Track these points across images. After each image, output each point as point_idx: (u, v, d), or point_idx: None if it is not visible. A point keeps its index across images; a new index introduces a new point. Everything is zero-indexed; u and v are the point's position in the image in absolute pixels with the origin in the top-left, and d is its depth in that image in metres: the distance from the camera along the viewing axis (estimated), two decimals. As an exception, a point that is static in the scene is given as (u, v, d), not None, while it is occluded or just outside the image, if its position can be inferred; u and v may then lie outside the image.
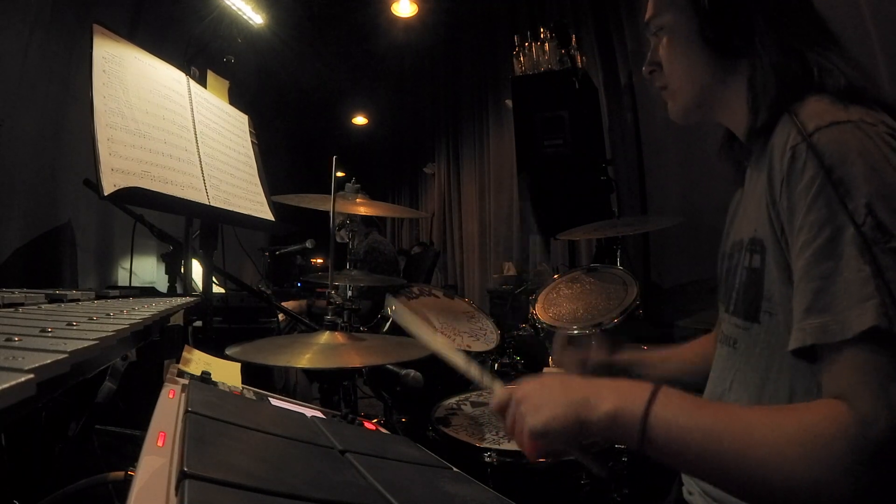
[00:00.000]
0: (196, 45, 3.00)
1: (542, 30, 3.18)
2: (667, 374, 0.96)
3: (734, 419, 0.52)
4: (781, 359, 0.62)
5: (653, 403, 0.53)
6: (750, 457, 0.49)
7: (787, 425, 0.49)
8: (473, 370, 0.75)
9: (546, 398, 0.60)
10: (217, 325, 1.63)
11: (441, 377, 1.58)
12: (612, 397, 0.56)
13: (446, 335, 1.69)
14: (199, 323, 1.41)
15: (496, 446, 1.06)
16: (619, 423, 0.54)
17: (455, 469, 0.63)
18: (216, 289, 1.73)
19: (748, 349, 0.68)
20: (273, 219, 1.68)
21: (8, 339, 0.40)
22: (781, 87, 0.62)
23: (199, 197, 1.34)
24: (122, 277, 2.94)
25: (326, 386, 1.71)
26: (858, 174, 0.51)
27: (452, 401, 1.37)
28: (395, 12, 4.32)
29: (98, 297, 0.95)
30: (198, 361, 0.85)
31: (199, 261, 1.53)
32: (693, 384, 0.83)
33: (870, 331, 0.47)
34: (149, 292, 1.49)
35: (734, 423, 0.51)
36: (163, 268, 1.47)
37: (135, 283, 2.40)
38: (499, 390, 0.67)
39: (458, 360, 0.76)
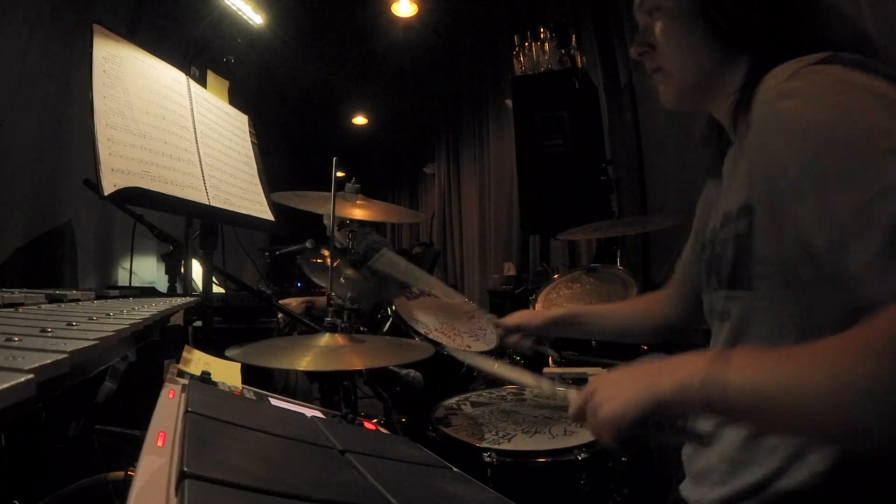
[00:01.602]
0: (196, 45, 3.00)
1: (542, 30, 3.18)
2: (597, 331, 1.02)
3: (809, 356, 0.47)
4: (783, 319, 0.61)
5: (717, 365, 0.50)
6: (836, 385, 0.44)
7: (863, 336, 0.44)
8: (545, 385, 0.76)
9: (617, 387, 0.59)
10: (217, 326, 1.63)
11: (441, 377, 1.58)
12: (678, 370, 0.54)
13: (446, 335, 1.69)
14: (199, 323, 1.41)
15: (496, 446, 1.06)
16: (692, 390, 0.51)
17: (455, 469, 0.63)
18: (216, 289, 1.73)
19: (743, 317, 0.67)
20: (273, 219, 1.68)
21: (8, 339, 0.40)
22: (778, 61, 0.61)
23: (199, 197, 1.34)
24: (122, 277, 2.94)
25: (326, 386, 1.71)
26: (848, 98, 0.50)
27: (452, 401, 1.37)
28: (395, 12, 4.32)
29: (98, 297, 0.95)
30: (198, 361, 0.85)
31: (199, 261, 1.53)
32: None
33: None
34: (149, 292, 1.49)
35: (812, 360, 0.46)
36: (163, 268, 1.47)
37: (135, 283, 2.40)
38: (573, 396, 0.67)
39: (526, 378, 0.78)
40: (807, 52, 0.59)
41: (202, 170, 1.41)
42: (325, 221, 2.03)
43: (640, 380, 0.57)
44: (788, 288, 0.61)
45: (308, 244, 2.82)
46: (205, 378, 0.75)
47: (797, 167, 0.53)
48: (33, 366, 0.33)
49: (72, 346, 0.40)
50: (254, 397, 0.77)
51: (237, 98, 1.81)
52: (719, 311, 0.73)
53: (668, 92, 0.75)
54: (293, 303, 2.48)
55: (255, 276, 2.97)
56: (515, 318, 1.09)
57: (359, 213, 1.85)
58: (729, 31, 0.66)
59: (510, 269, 4.01)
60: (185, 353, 0.85)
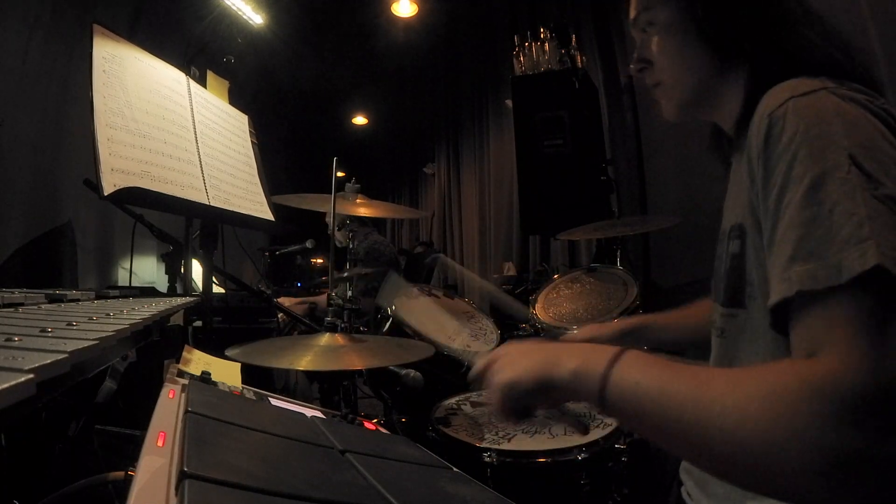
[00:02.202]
0: (196, 45, 3.01)
1: (542, 30, 3.18)
2: (667, 339, 0.99)
3: (693, 377, 0.48)
4: (766, 342, 0.62)
5: (615, 363, 0.53)
6: (706, 415, 0.45)
7: (747, 382, 0.45)
8: (456, 345, 0.77)
9: (518, 357, 0.61)
10: (217, 326, 1.63)
11: (441, 377, 1.58)
12: (578, 356, 0.56)
13: (446, 335, 1.69)
14: (199, 323, 1.41)
15: (496, 446, 1.06)
16: (581, 380, 0.54)
17: (455, 469, 0.63)
18: (216, 289, 1.73)
19: (735, 336, 0.68)
20: (273, 219, 1.68)
21: (8, 339, 0.40)
22: (777, 73, 0.61)
23: (199, 197, 1.34)
24: (122, 277, 2.94)
25: (326, 386, 1.72)
26: (837, 130, 0.50)
27: (452, 401, 1.37)
28: (395, 12, 4.32)
29: (98, 297, 0.95)
30: (198, 361, 0.85)
31: (199, 261, 1.53)
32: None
33: (870, 272, 0.43)
34: (149, 292, 1.48)
35: (692, 381, 0.48)
36: (163, 268, 1.47)
37: (135, 283, 2.40)
38: (480, 360, 0.68)
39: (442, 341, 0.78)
40: (799, 59, 0.60)
41: (202, 170, 1.41)
42: (328, 220, 2.03)
43: (542, 356, 0.59)
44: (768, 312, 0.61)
45: (308, 244, 2.82)
46: (205, 378, 0.75)
47: (771, 196, 0.53)
48: (33, 366, 0.33)
49: (72, 346, 0.40)
50: (254, 397, 0.77)
51: (237, 98, 1.81)
52: (717, 327, 0.73)
53: (668, 106, 0.76)
54: (286, 303, 2.49)
55: (255, 276, 2.98)
56: (585, 332, 1.03)
57: (362, 210, 1.85)
58: (722, 41, 0.67)
59: (510, 269, 4.01)
60: (185, 353, 0.85)
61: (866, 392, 0.40)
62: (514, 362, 0.61)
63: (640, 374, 0.51)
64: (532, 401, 0.61)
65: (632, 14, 0.75)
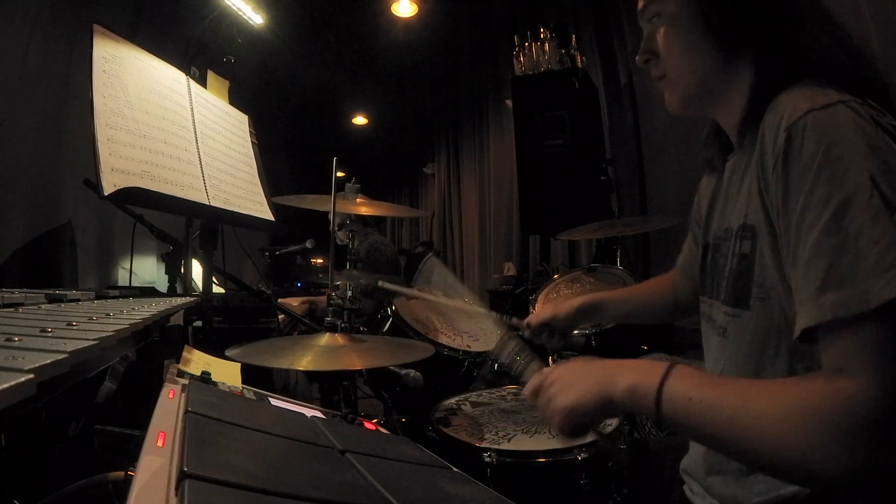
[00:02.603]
0: (196, 45, 3.01)
1: (542, 30, 3.18)
2: (623, 315, 1.07)
3: (737, 392, 0.53)
4: (778, 343, 0.62)
5: (666, 379, 0.56)
6: (749, 427, 0.50)
7: (785, 396, 0.50)
8: (506, 349, 0.80)
9: (575, 378, 0.63)
10: (217, 326, 1.63)
11: (441, 377, 1.58)
12: (632, 374, 0.59)
13: (446, 335, 1.69)
14: (199, 323, 1.41)
15: (496, 446, 1.06)
16: (638, 396, 0.58)
17: (455, 469, 0.63)
18: (216, 289, 1.73)
19: (738, 337, 0.68)
20: (273, 219, 1.68)
21: (8, 339, 0.40)
22: (783, 72, 0.62)
23: (199, 197, 1.34)
24: (122, 277, 2.94)
25: (326, 386, 1.71)
26: (858, 151, 0.51)
27: (452, 401, 1.37)
28: (395, 12, 4.32)
29: (98, 297, 0.95)
30: (198, 361, 0.85)
31: (199, 261, 1.53)
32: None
33: (892, 301, 0.46)
34: (149, 292, 1.49)
35: (739, 396, 0.52)
36: (163, 268, 1.47)
37: (135, 283, 2.40)
38: (533, 377, 0.71)
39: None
40: (805, 59, 0.61)
41: (202, 170, 1.41)
42: (330, 217, 2.03)
43: (598, 375, 0.62)
44: (783, 314, 0.61)
45: (308, 244, 2.82)
46: (205, 378, 0.75)
47: (793, 214, 0.55)
48: (33, 366, 0.33)
49: (72, 346, 0.40)
50: (254, 397, 0.77)
51: (237, 98, 1.81)
52: (718, 326, 0.73)
53: (672, 98, 0.76)
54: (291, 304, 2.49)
55: (255, 276, 2.98)
56: (542, 314, 1.09)
57: (362, 210, 1.85)
58: (728, 35, 0.67)
59: (510, 269, 4.01)
60: (185, 353, 0.85)
61: (887, 411, 0.45)
62: (571, 385, 0.63)
63: (692, 389, 0.55)
64: (593, 419, 0.64)
65: (640, 4, 0.75)
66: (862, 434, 0.46)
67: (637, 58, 0.77)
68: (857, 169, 0.51)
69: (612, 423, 1.14)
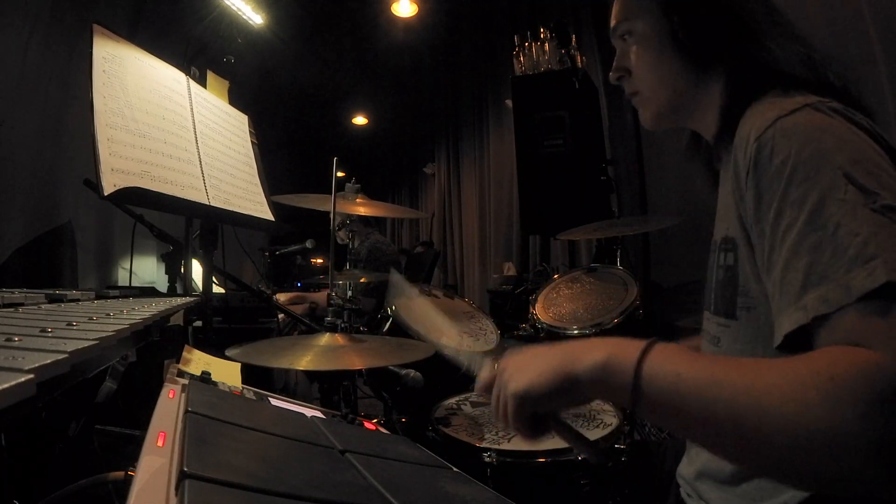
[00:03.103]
0: (196, 46, 3.01)
1: (542, 30, 3.18)
2: None
3: (738, 366, 0.47)
4: (763, 352, 0.62)
5: (648, 352, 0.50)
6: (763, 403, 0.43)
7: (798, 369, 0.44)
8: (462, 356, 0.76)
9: (530, 360, 0.56)
10: (217, 326, 1.63)
11: (441, 377, 1.58)
12: (603, 348, 0.52)
13: (446, 335, 1.69)
14: (199, 323, 1.41)
15: (496, 446, 1.06)
16: (610, 373, 0.50)
17: (455, 469, 0.63)
18: (216, 289, 1.73)
19: (730, 346, 0.68)
20: (273, 219, 1.68)
21: (8, 339, 0.40)
22: (751, 85, 0.63)
23: (199, 197, 1.34)
24: (122, 277, 2.94)
25: (326, 386, 1.71)
26: (828, 147, 0.51)
27: (452, 401, 1.37)
28: (395, 12, 4.32)
29: (98, 297, 0.95)
30: (198, 361, 0.85)
31: (199, 261, 1.53)
32: None
33: (882, 288, 0.44)
34: (149, 292, 1.48)
35: (739, 370, 0.46)
36: (163, 268, 1.46)
37: (135, 283, 2.40)
38: (483, 370, 0.64)
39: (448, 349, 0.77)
40: (772, 72, 0.62)
41: (202, 170, 1.41)
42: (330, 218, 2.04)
43: (557, 354, 0.55)
44: (768, 324, 0.61)
45: (308, 244, 2.82)
46: (205, 378, 0.75)
47: (766, 219, 0.54)
48: (33, 366, 0.33)
49: (72, 346, 0.40)
50: (254, 397, 0.77)
51: (237, 98, 1.81)
52: (711, 336, 0.73)
53: (646, 115, 0.77)
54: (281, 298, 2.48)
55: (255, 276, 2.97)
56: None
57: (362, 209, 1.85)
58: (696, 51, 0.69)
59: (510, 269, 4.01)
60: (185, 353, 0.85)
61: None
62: (525, 367, 0.56)
63: (678, 362, 0.48)
64: (551, 406, 0.56)
65: (612, 23, 0.77)
66: (889, 405, 0.40)
67: (610, 75, 0.79)
68: (829, 165, 0.50)
69: (611, 424, 1.14)
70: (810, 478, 0.44)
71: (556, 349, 0.56)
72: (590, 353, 0.52)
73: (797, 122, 0.54)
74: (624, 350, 0.51)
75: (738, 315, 0.65)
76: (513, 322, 2.10)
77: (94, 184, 1.05)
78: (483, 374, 0.63)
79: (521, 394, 0.55)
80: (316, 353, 0.99)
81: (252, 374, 0.90)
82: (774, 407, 0.42)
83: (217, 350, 0.94)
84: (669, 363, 0.48)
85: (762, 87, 0.62)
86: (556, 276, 2.05)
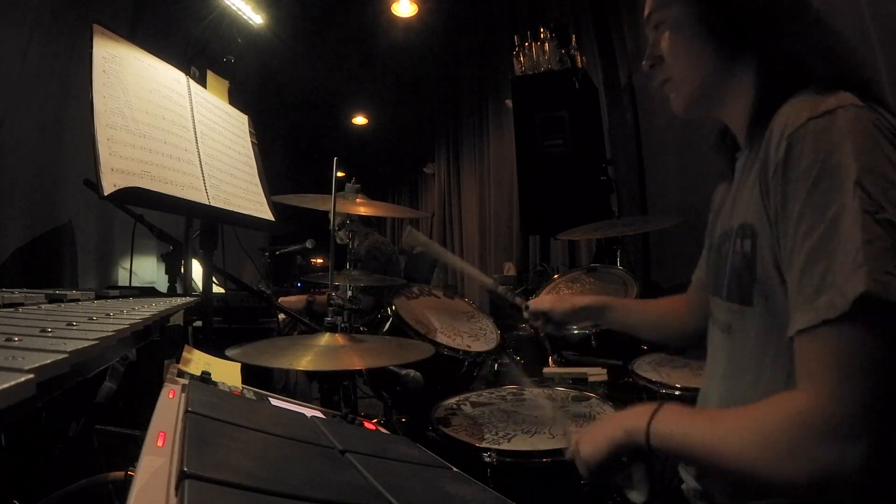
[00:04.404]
0: (196, 46, 3.01)
1: (542, 30, 3.18)
2: (626, 324, 1.09)
3: (707, 422, 0.61)
4: (779, 340, 0.63)
5: (653, 419, 0.64)
6: (720, 453, 0.57)
7: (748, 421, 0.56)
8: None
9: (592, 433, 0.73)
10: (217, 326, 1.63)
11: (441, 377, 1.58)
12: (629, 418, 0.67)
13: (446, 335, 1.69)
14: (199, 323, 1.41)
15: (496, 446, 1.06)
16: (633, 437, 0.66)
17: (455, 469, 0.63)
18: (216, 289, 1.73)
19: (744, 332, 0.69)
20: (273, 219, 1.68)
21: (8, 339, 0.40)
22: (787, 75, 0.64)
23: (199, 197, 1.34)
24: (122, 277, 2.94)
25: (326, 386, 1.71)
26: (849, 153, 0.53)
27: (452, 401, 1.37)
28: (395, 13, 4.31)
29: (98, 297, 0.95)
30: (198, 361, 0.85)
31: (199, 261, 1.53)
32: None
33: (860, 299, 0.49)
34: (149, 292, 1.49)
35: (706, 427, 0.60)
36: (163, 268, 1.47)
37: (135, 283, 2.40)
38: (571, 438, 0.78)
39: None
40: (802, 61, 0.62)
41: (202, 170, 1.41)
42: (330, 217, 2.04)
43: (607, 428, 0.71)
44: (785, 312, 0.62)
45: (308, 244, 2.83)
46: (205, 378, 0.75)
47: (790, 219, 0.57)
48: (33, 366, 0.33)
49: (72, 346, 0.40)
50: (254, 397, 0.77)
51: (237, 98, 1.81)
52: (722, 322, 0.74)
53: (677, 101, 0.78)
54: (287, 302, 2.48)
55: (255, 276, 2.98)
56: (545, 302, 1.13)
57: (362, 210, 1.85)
58: (728, 36, 0.69)
59: (510, 269, 4.01)
60: (185, 353, 0.85)
61: (834, 421, 0.50)
62: (587, 439, 0.72)
63: (672, 426, 0.63)
64: (612, 464, 0.70)
65: (645, 12, 0.78)
66: (817, 442, 0.50)
67: (643, 63, 0.80)
68: (849, 175, 0.53)
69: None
70: (770, 493, 0.59)
71: (607, 423, 0.72)
72: (622, 424, 0.68)
73: (828, 126, 0.56)
74: (639, 418, 0.66)
75: (755, 301, 0.66)
76: (513, 322, 2.10)
77: (94, 184, 1.05)
78: (569, 441, 0.78)
79: (589, 458, 0.71)
80: (316, 353, 0.99)
81: (252, 374, 0.90)
82: (731, 453, 0.56)
83: (217, 350, 0.94)
84: (667, 427, 0.63)
85: (794, 82, 0.63)
86: (556, 277, 2.06)
